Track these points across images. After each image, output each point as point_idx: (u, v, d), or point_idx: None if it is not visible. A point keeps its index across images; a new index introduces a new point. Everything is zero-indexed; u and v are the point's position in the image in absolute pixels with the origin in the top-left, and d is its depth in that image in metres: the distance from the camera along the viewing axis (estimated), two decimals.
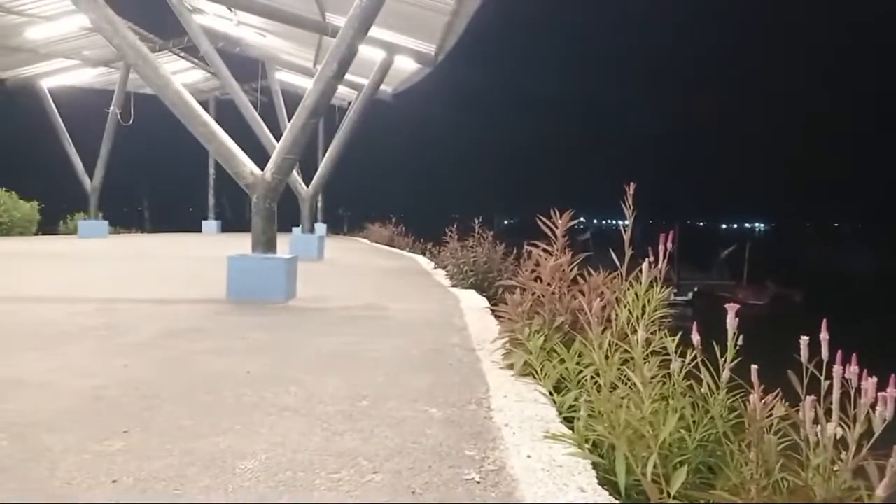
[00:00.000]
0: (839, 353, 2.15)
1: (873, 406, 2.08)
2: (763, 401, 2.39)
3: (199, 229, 25.99)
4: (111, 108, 19.03)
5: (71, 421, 2.86)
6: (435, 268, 11.66)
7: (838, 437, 2.13)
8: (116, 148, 19.53)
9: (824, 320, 2.21)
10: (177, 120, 7.46)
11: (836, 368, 2.15)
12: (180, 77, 17.30)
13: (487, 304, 7.05)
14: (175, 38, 18.16)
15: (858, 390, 2.11)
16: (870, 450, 2.07)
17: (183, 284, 8.69)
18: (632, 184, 3.36)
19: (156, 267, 11.54)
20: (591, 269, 4.01)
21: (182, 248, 16.35)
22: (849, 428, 2.10)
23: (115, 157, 19.67)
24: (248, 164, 7.28)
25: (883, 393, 2.06)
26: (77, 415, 2.96)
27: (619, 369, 2.83)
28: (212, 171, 26.63)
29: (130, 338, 4.81)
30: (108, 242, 17.51)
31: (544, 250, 4.22)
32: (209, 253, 13.62)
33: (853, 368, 2.13)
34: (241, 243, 8.27)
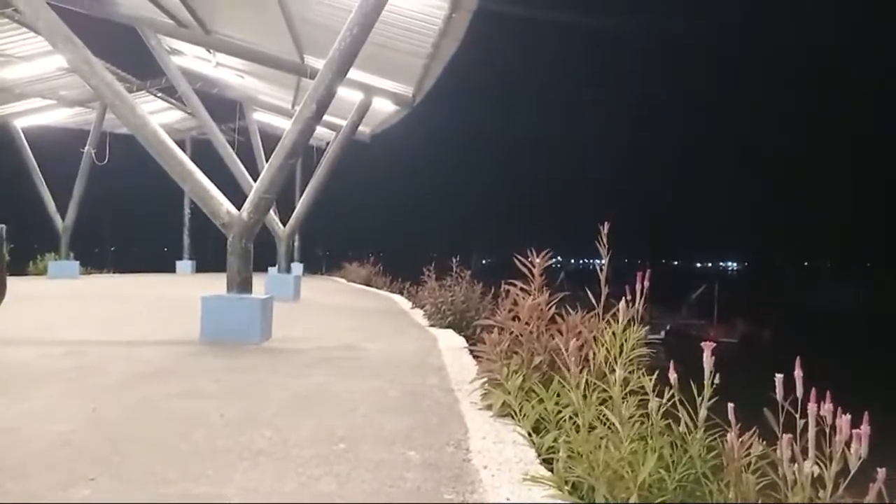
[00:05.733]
0: (812, 390, 2.18)
1: (848, 444, 2.10)
2: (740, 439, 2.40)
3: (173, 269, 25.64)
4: (86, 147, 18.90)
5: (37, 467, 2.76)
6: (413, 307, 11.61)
7: (815, 475, 2.15)
8: (90, 188, 19.32)
9: (797, 358, 2.24)
10: (153, 160, 7.43)
11: (811, 406, 2.18)
12: (157, 117, 17.21)
13: (465, 344, 7.02)
14: (153, 78, 18.21)
15: (833, 427, 2.13)
16: (846, 488, 2.08)
17: (155, 326, 8.52)
18: (606, 224, 3.42)
19: (127, 308, 11.32)
20: (567, 309, 4.04)
21: (155, 288, 16.09)
22: (825, 466, 2.12)
23: (89, 197, 19.44)
24: (224, 204, 7.25)
25: (857, 430, 2.09)
26: (43, 461, 2.86)
27: (597, 409, 2.83)
28: (187, 210, 26.43)
29: (100, 381, 4.69)
30: (79, 283, 17.17)
31: (522, 289, 4.24)
32: (183, 293, 13.41)
33: (828, 406, 2.15)
34: (216, 283, 8.17)
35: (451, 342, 7.22)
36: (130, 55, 16.12)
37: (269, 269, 16.09)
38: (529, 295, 4.18)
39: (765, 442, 2.38)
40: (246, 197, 7.32)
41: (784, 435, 2.19)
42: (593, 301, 3.50)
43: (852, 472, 2.07)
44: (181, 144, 12.63)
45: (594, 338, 3.36)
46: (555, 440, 3.09)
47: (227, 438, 3.24)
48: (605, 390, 2.83)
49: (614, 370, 2.79)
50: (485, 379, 4.17)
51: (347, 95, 13.13)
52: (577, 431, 2.75)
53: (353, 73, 11.53)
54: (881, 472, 2.04)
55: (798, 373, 2.24)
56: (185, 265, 25.98)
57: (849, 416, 2.11)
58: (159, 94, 20.00)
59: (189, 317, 7.47)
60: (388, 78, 13.34)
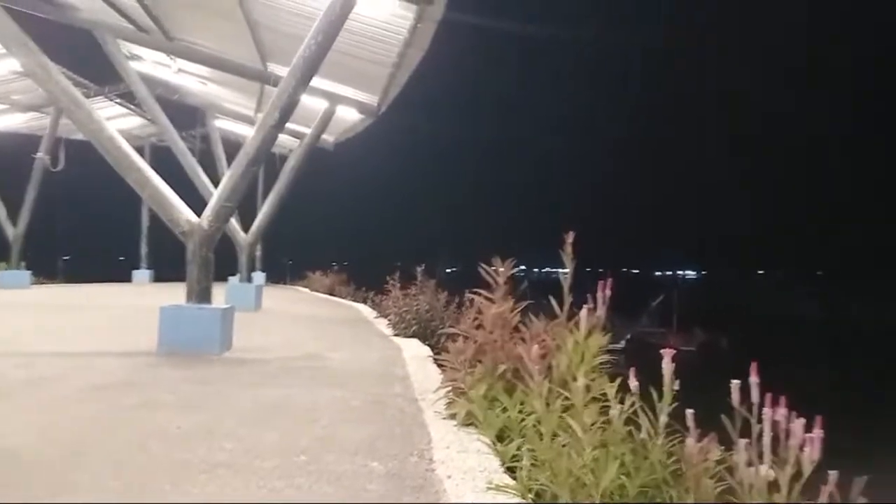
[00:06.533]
0: (767, 395, 2.24)
1: (802, 447, 2.16)
2: (699, 445, 2.44)
3: (129, 279, 24.99)
4: (38, 153, 18.33)
5: None
6: (377, 317, 11.54)
7: (771, 479, 2.20)
8: (43, 195, 18.74)
9: (753, 364, 2.30)
10: (109, 166, 7.26)
11: (766, 411, 2.24)
12: (115, 123, 16.82)
13: (430, 353, 7.00)
14: (111, 84, 17.79)
15: (788, 432, 2.19)
16: (801, 491, 2.14)
17: (110, 336, 8.29)
18: (571, 233, 3.46)
19: (82, 318, 10.98)
20: (531, 317, 4.06)
21: (110, 298, 15.66)
22: (781, 470, 2.17)
23: (42, 205, 18.85)
24: (184, 212, 7.11)
25: (810, 434, 2.15)
26: None
27: (560, 417, 2.85)
28: (145, 218, 25.83)
29: (54, 393, 4.53)
30: (31, 293, 16.59)
31: (486, 298, 4.25)
32: (140, 303, 13.08)
33: (782, 411, 2.21)
34: (174, 293, 7.99)
35: (415, 351, 7.20)
36: (88, 60, 15.74)
37: (230, 278, 15.81)
38: (493, 304, 4.20)
39: (723, 447, 2.43)
40: (206, 205, 7.20)
41: (741, 440, 2.24)
42: (557, 309, 3.53)
43: (805, 475, 2.13)
44: (140, 151, 12.29)
45: (557, 346, 3.39)
46: (518, 448, 3.10)
47: (186, 451, 3.17)
48: (567, 398, 2.85)
49: (577, 378, 2.82)
50: (449, 388, 4.17)
51: (311, 103, 13.03)
52: (541, 439, 2.77)
53: (318, 81, 11.46)
54: (832, 475, 2.10)
55: (753, 379, 2.30)
56: (142, 274, 25.33)
57: (802, 420, 2.18)
58: (118, 100, 19.54)
59: (146, 327, 7.28)
60: (353, 86, 13.30)
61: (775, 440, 2.21)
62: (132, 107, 19.98)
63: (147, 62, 15.92)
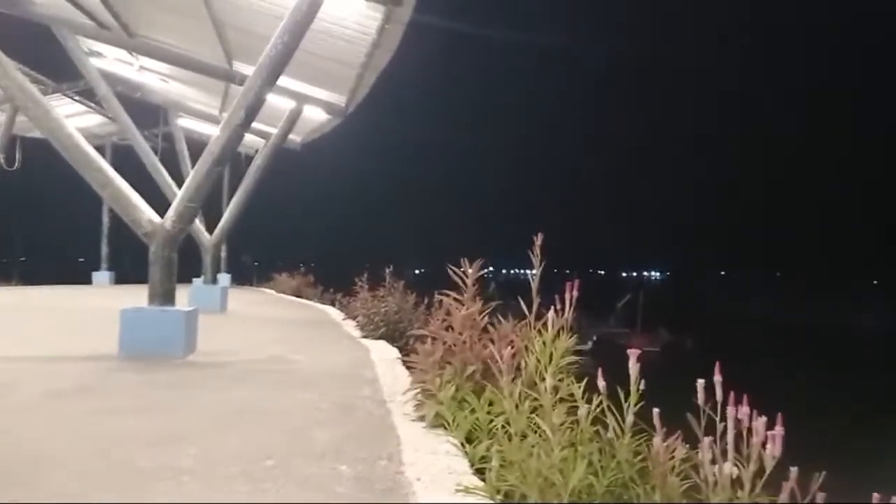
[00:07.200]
0: (731, 394, 2.29)
1: (764, 444, 2.21)
2: (665, 443, 2.48)
3: (89, 281, 24.35)
4: None
5: None
6: (345, 318, 11.46)
7: (735, 475, 2.25)
8: None
9: (717, 364, 2.34)
10: (68, 165, 7.07)
11: (730, 410, 2.28)
12: (75, 121, 16.33)
13: (399, 355, 6.97)
14: (70, 80, 17.32)
15: (750, 429, 2.24)
16: (763, 487, 2.19)
17: (70, 340, 8.06)
18: (540, 235, 3.48)
19: (39, 321, 10.66)
20: (499, 318, 4.08)
21: (70, 300, 15.23)
22: (744, 466, 2.22)
23: None
24: (146, 212, 6.96)
25: (772, 432, 2.20)
26: None
27: (529, 417, 2.87)
28: (105, 219, 25.20)
29: (11, 398, 4.39)
30: None
31: (455, 299, 4.26)
32: (100, 306, 12.75)
33: (744, 409, 2.26)
34: (136, 295, 7.81)
35: (383, 353, 7.16)
36: (46, 56, 15.28)
37: (195, 280, 15.54)
38: (462, 305, 4.20)
39: (688, 445, 2.47)
40: (170, 205, 7.06)
41: (705, 438, 2.28)
42: (525, 310, 3.55)
43: (767, 472, 2.18)
44: (101, 150, 11.97)
45: (526, 347, 3.40)
46: (487, 449, 3.11)
47: (149, 457, 3.09)
48: (536, 398, 2.87)
49: (545, 378, 2.84)
50: (418, 390, 4.15)
51: (278, 103, 12.89)
52: (510, 440, 2.78)
53: (284, 81, 11.35)
54: (793, 471, 2.15)
55: (717, 378, 2.35)
56: (102, 276, 24.71)
57: (764, 419, 2.22)
58: (77, 97, 19.05)
59: (107, 331, 7.10)
60: (321, 86, 13.20)
61: (739, 437, 2.25)
62: (92, 104, 19.50)
63: (108, 59, 15.55)
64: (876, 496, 2.13)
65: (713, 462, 2.27)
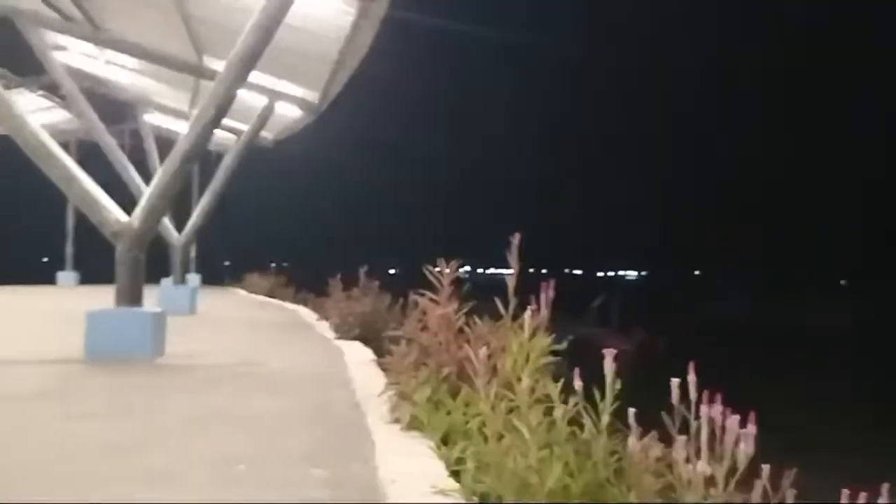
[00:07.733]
0: (705, 394, 2.31)
1: (737, 443, 2.23)
2: (641, 443, 2.49)
3: (53, 281, 23.77)
4: None
5: None
6: (318, 319, 11.35)
7: (708, 474, 2.26)
8: None
9: (691, 364, 2.36)
10: (31, 163, 6.88)
11: (704, 409, 2.30)
12: (38, 116, 15.93)
13: (373, 357, 6.92)
14: (33, 75, 16.88)
15: (724, 428, 2.26)
16: (736, 485, 2.21)
17: (33, 343, 7.84)
18: (517, 235, 3.48)
19: (0, 323, 10.36)
20: (475, 319, 4.06)
21: (33, 302, 14.86)
22: (717, 465, 2.24)
23: None
24: (113, 211, 6.81)
25: (744, 430, 2.22)
26: None
27: (505, 418, 2.85)
28: (70, 218, 24.63)
29: None
30: None
31: (431, 300, 4.23)
32: (65, 307, 12.45)
33: (718, 408, 2.28)
34: (102, 297, 7.64)
35: (357, 355, 7.10)
36: (6, 48, 14.86)
37: (163, 280, 15.28)
38: (438, 305, 4.18)
39: (664, 444, 2.48)
40: (137, 203, 6.92)
41: (680, 437, 2.29)
42: (501, 310, 3.54)
43: (740, 470, 2.20)
44: (65, 147, 11.66)
45: (502, 347, 3.39)
46: (463, 451, 3.09)
47: (116, 464, 3.01)
48: (512, 399, 2.86)
49: (522, 379, 2.83)
50: (393, 392, 4.12)
51: (250, 99, 12.72)
52: (486, 441, 2.77)
53: (256, 77, 11.19)
54: (765, 468, 2.17)
55: (692, 378, 2.36)
56: (67, 277, 24.15)
57: (737, 417, 2.25)
58: (41, 92, 18.58)
59: (72, 333, 6.92)
60: (294, 82, 13.07)
61: (713, 436, 2.27)
62: (56, 100, 19.05)
63: (73, 53, 15.21)
64: (845, 492, 2.16)
65: (687, 461, 2.29)
